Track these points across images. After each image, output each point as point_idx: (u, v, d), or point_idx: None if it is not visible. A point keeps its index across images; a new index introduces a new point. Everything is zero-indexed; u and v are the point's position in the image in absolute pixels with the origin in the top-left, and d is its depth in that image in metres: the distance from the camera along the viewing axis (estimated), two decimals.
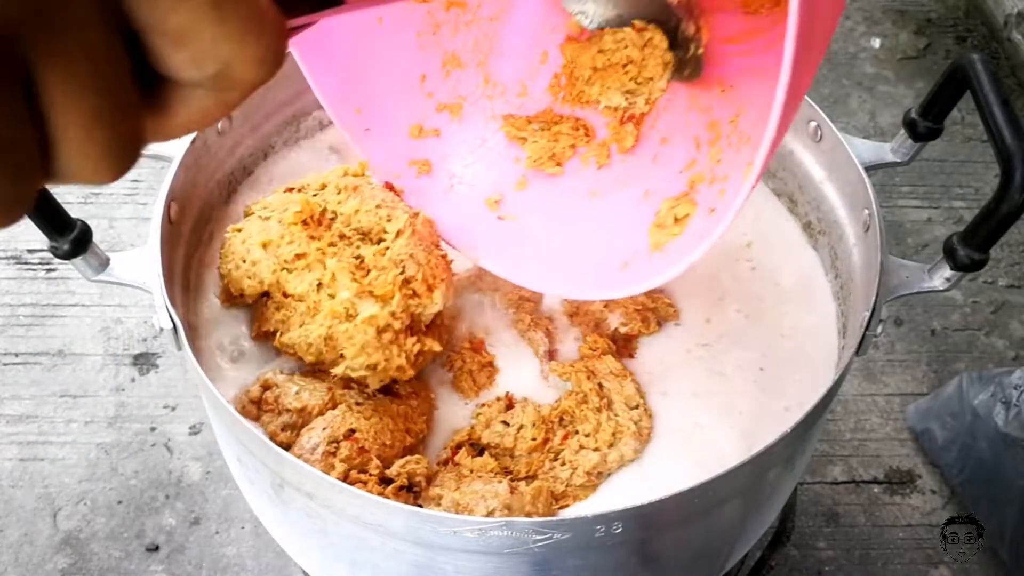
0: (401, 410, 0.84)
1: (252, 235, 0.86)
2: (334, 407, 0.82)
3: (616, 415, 0.85)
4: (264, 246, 0.85)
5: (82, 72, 0.27)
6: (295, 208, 0.86)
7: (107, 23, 0.27)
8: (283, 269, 0.84)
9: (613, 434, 0.84)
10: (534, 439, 0.83)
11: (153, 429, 1.53)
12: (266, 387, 0.85)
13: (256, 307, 0.89)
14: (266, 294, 0.86)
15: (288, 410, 0.83)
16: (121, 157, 0.29)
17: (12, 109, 0.26)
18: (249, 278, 0.85)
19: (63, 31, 0.26)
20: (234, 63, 0.29)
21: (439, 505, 0.78)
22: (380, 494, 0.76)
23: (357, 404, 0.82)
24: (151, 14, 0.27)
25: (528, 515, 0.77)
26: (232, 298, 0.90)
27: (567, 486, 0.81)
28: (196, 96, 0.30)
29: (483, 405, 0.87)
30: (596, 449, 0.83)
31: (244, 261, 0.85)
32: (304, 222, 0.85)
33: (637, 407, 0.86)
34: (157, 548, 1.40)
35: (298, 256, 0.83)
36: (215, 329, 0.89)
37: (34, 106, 0.27)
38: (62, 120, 0.27)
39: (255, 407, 0.84)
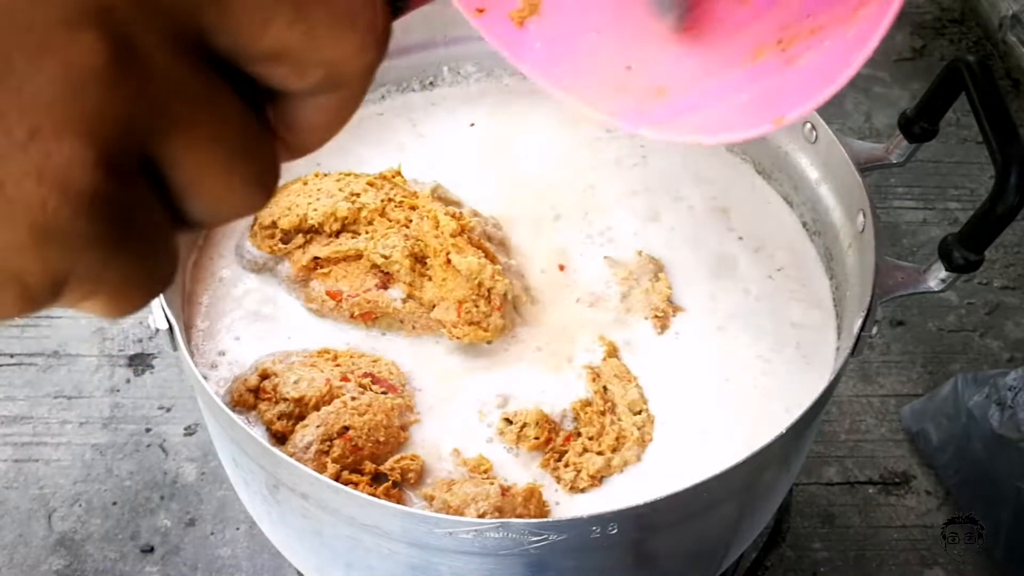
0: (396, 405, 0.84)
1: (321, 180, 0.98)
2: (331, 400, 0.83)
3: (619, 419, 0.85)
4: (337, 180, 0.97)
5: (209, 137, 0.26)
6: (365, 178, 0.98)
7: (217, 85, 0.26)
8: (355, 196, 0.94)
9: (617, 439, 0.84)
10: (536, 438, 0.83)
11: (148, 430, 1.53)
12: (264, 376, 0.85)
13: (299, 246, 0.94)
14: (315, 230, 0.94)
15: (285, 399, 0.83)
16: (263, 188, 0.29)
17: (143, 200, 0.25)
18: (315, 210, 0.93)
19: (185, 116, 0.25)
20: (338, 61, 0.27)
21: (430, 506, 0.78)
22: (372, 494, 0.76)
23: (353, 399, 0.82)
24: (243, 47, 0.26)
25: (520, 517, 0.77)
26: (272, 239, 0.95)
27: (571, 488, 0.81)
28: (317, 103, 0.29)
29: (483, 403, 0.87)
30: (600, 453, 0.83)
31: (317, 192, 0.95)
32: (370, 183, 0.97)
33: (640, 412, 0.86)
34: (152, 549, 1.40)
35: (370, 183, 0.97)
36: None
37: (159, 183, 0.26)
38: (199, 187, 0.26)
39: (252, 396, 0.85)
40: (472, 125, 1.11)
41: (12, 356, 1.62)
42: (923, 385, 1.60)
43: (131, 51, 0.23)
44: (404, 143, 1.09)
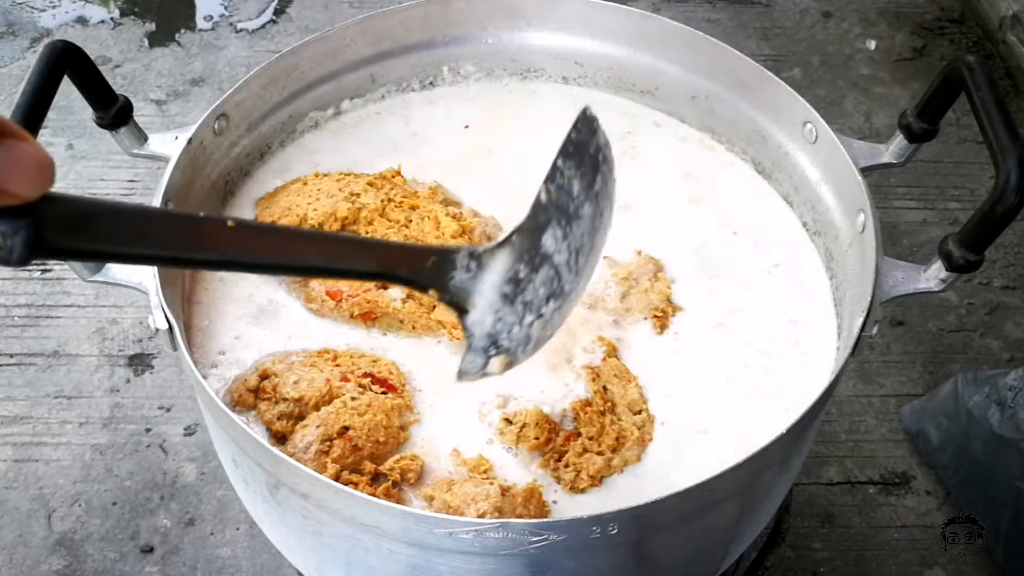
0: (396, 405, 0.84)
1: (320, 180, 0.99)
2: (331, 400, 0.83)
3: (619, 419, 0.85)
4: (337, 180, 0.99)
5: None
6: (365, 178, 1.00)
7: None
8: (355, 196, 0.95)
9: (617, 439, 0.84)
10: (536, 438, 0.83)
11: (148, 430, 1.53)
12: (264, 376, 0.86)
13: None
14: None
15: (285, 399, 0.83)
16: None
17: None
18: (315, 210, 0.94)
19: None
20: None
21: (430, 506, 0.78)
22: (372, 494, 0.76)
23: (353, 399, 0.82)
24: None
25: (519, 517, 0.77)
26: None
27: (571, 488, 0.81)
28: None
29: (483, 403, 0.87)
30: (600, 453, 0.83)
31: (317, 192, 0.96)
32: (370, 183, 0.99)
33: (640, 412, 0.86)
34: (152, 549, 1.40)
35: (370, 184, 0.98)
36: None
37: None
38: None
39: (252, 396, 0.85)
40: (467, 127, 1.11)
41: (12, 356, 1.62)
42: (923, 385, 1.61)
43: None
44: (399, 142, 1.09)
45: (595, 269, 0.72)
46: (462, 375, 0.67)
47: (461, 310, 0.64)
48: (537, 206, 0.66)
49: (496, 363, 0.66)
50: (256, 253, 0.56)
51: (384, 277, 0.64)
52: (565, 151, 0.66)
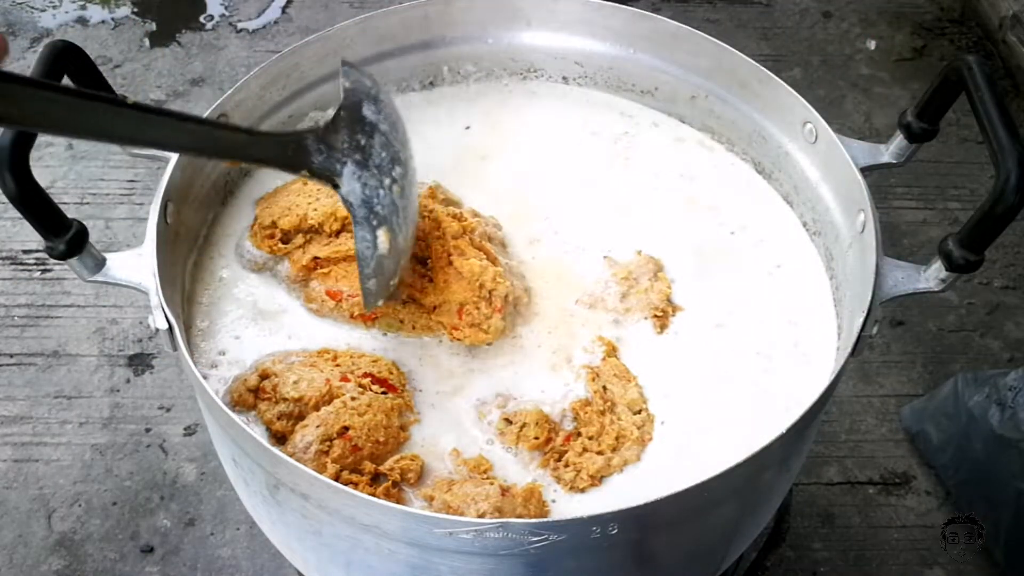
0: (396, 404, 0.84)
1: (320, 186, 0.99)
2: (331, 400, 0.83)
3: (619, 419, 0.85)
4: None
5: None
6: None
7: None
8: None
9: (616, 438, 0.84)
10: (536, 438, 0.83)
11: (148, 430, 1.53)
12: (264, 376, 0.86)
13: (299, 246, 0.95)
14: (315, 230, 0.94)
15: (285, 399, 0.83)
16: None
17: None
18: (315, 210, 0.94)
19: None
20: None
21: (430, 506, 0.78)
22: (372, 494, 0.77)
23: (353, 399, 0.82)
24: None
25: (519, 517, 0.77)
26: (271, 239, 0.95)
27: (570, 488, 0.81)
28: None
29: (483, 403, 0.88)
30: (600, 452, 0.83)
31: (317, 192, 0.96)
32: None
33: (640, 412, 0.86)
34: (152, 549, 1.40)
35: None
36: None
37: None
38: None
39: (252, 396, 0.85)
40: (467, 128, 1.11)
41: (12, 356, 1.62)
42: (923, 385, 1.61)
43: None
44: None
45: (413, 156, 0.87)
46: (365, 277, 0.80)
47: (334, 185, 0.78)
48: (346, 91, 0.81)
49: (382, 236, 0.80)
50: (139, 130, 0.64)
51: (260, 163, 0.81)
52: (345, 71, 0.82)
